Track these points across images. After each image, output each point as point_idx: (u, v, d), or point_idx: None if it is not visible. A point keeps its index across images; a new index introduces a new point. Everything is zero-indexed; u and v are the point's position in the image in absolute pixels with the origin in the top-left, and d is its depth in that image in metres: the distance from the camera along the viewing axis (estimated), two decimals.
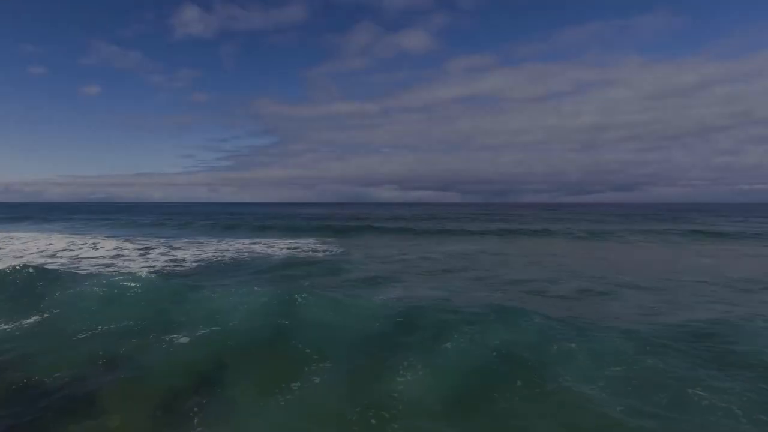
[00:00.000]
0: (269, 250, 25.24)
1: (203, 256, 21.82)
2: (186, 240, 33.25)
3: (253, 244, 29.72)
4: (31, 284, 12.45)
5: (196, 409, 6.05)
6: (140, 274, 13.22)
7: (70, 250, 23.79)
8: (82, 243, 25.70)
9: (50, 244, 26.04)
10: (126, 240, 31.75)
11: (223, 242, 31.55)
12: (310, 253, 24.10)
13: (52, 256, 22.14)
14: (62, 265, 18.70)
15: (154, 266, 18.70)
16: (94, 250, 23.62)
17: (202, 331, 8.63)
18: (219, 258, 21.30)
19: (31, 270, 13.48)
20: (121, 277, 12.48)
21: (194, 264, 19.58)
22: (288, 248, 26.54)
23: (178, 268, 18.40)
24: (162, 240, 32.25)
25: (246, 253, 23.49)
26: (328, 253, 24.10)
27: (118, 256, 22.23)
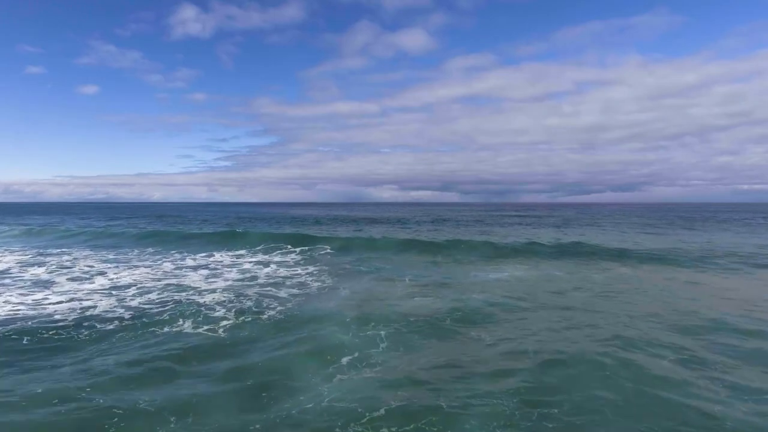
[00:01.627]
0: (204, 285, 15.56)
1: (59, 309, 12.15)
2: (112, 254, 23.68)
3: (195, 268, 20.15)
4: None
5: None
6: None
7: None
8: None
9: None
10: (20, 254, 22.23)
11: (160, 262, 22.02)
12: (268, 297, 14.46)
13: None
14: None
15: None
16: None
17: None
18: (86, 313, 11.64)
19: None
20: None
21: None
22: (240, 279, 16.96)
23: None
24: (74, 255, 22.64)
25: (153, 296, 13.82)
26: (297, 301, 14.47)
27: None
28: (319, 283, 15.67)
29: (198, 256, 24.33)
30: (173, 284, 15.22)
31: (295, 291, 14.27)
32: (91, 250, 26.89)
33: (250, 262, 21.81)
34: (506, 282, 15.87)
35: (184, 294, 13.58)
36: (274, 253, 24.81)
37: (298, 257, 23.47)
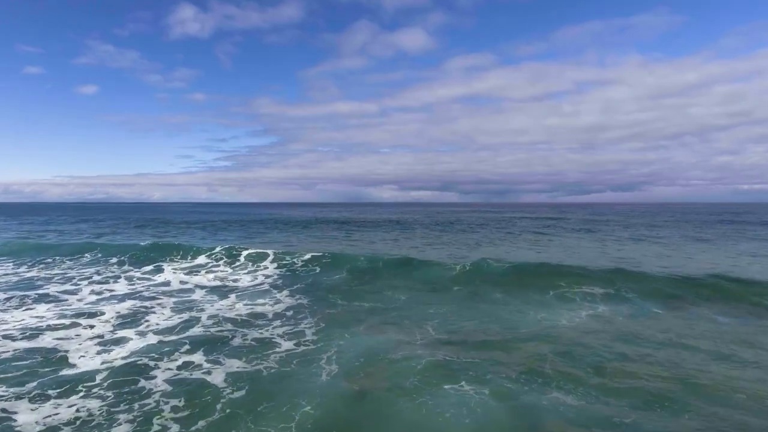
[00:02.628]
0: (94, 345, 9.51)
1: None
2: (32, 272, 17.61)
3: (120, 299, 14.16)
4: None
5: None
6: None
7: None
8: None
9: None
10: None
11: (83, 285, 16.08)
12: (183, 382, 8.39)
13: None
14: None
15: None
16: None
17: None
18: None
19: None
20: None
21: None
22: (168, 327, 10.90)
23: None
24: None
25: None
26: (232, 400, 8.38)
27: None
28: (292, 340, 9.57)
29: (140, 272, 18.27)
30: (38, 348, 9.09)
31: (240, 366, 8.14)
32: (13, 267, 20.77)
33: (205, 287, 15.70)
34: (590, 333, 9.79)
35: (33, 373, 7.46)
36: (244, 271, 18.68)
37: (275, 277, 17.38)
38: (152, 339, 9.75)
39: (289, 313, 11.91)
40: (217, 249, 22.05)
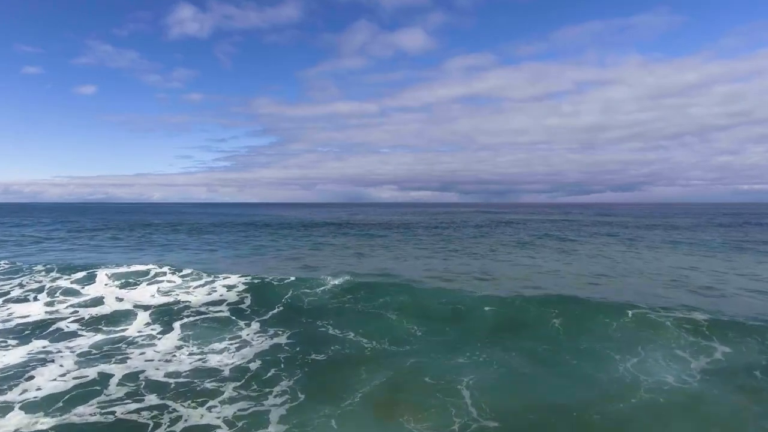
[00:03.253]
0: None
1: None
2: None
3: (21, 338, 10.17)
4: None
5: None
6: None
7: None
8: None
9: None
10: None
11: None
12: None
13: None
14: None
15: None
16: None
17: None
18: None
19: None
20: None
21: None
22: (53, 395, 6.87)
23: None
24: None
25: None
26: None
27: None
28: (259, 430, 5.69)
29: (70, 281, 14.23)
30: None
31: None
32: None
33: (146, 306, 11.70)
34: (730, 406, 5.95)
35: None
36: (198, 282, 14.40)
37: (240, 290, 13.22)
38: (10, 426, 5.84)
39: (254, 366, 8.00)
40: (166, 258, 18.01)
